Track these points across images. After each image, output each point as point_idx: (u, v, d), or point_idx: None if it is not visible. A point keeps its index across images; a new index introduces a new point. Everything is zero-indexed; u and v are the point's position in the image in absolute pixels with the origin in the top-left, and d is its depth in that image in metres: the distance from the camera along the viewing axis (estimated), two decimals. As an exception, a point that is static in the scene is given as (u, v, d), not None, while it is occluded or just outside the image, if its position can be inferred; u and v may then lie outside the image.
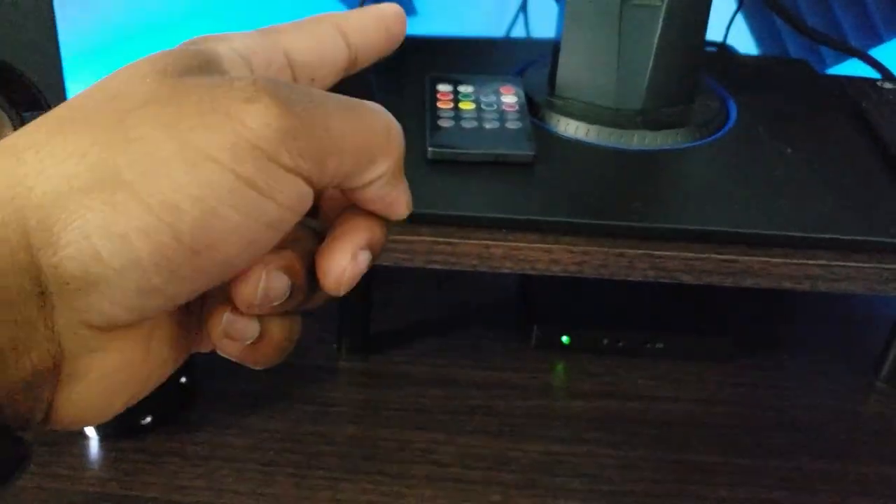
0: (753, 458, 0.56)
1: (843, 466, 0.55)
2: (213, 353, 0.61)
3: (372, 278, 0.58)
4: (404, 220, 0.27)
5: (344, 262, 0.24)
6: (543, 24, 0.84)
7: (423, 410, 0.57)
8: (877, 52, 0.93)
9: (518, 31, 0.90)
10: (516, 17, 0.90)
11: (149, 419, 0.53)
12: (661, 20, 0.58)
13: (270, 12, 0.89)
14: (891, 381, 0.62)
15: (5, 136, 0.53)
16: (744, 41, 0.94)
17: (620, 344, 0.62)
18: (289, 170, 0.21)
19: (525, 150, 0.55)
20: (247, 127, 0.21)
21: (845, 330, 0.67)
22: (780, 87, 0.67)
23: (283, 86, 0.22)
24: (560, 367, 0.62)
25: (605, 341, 0.62)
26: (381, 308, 0.64)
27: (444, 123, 0.57)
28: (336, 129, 0.22)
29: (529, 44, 0.78)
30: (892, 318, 0.61)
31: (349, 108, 0.23)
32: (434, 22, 0.93)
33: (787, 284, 0.51)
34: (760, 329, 0.66)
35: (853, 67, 0.74)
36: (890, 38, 0.93)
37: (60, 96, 0.53)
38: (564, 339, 0.62)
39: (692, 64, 0.61)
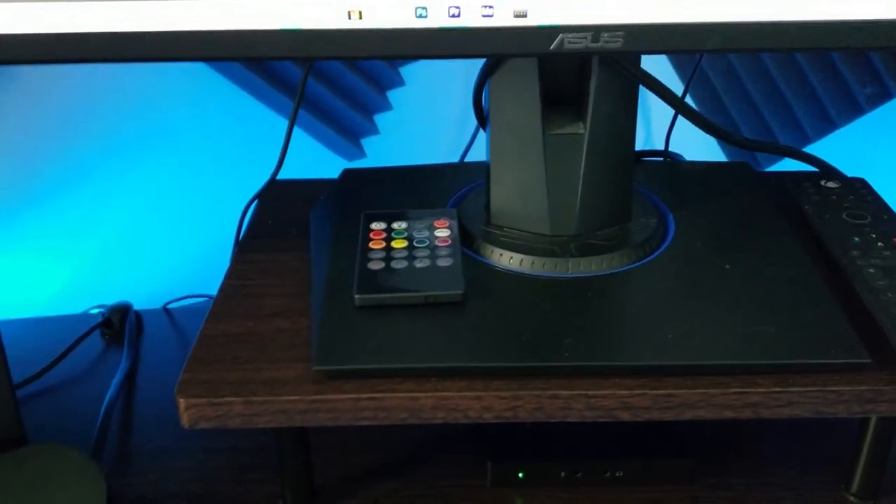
0: None
1: None
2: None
3: (308, 428, 0.56)
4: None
5: None
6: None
7: (371, 566, 0.54)
8: (832, 139, 0.93)
9: (478, 154, 0.90)
10: (476, 133, 0.91)
11: None
12: (585, 146, 0.57)
13: (204, 147, 0.90)
14: (862, 493, 0.59)
15: None
16: (704, 139, 0.95)
17: (579, 475, 0.60)
18: None
19: (454, 290, 0.54)
20: None
21: (811, 441, 0.64)
22: (720, 194, 0.67)
23: None
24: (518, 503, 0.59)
25: (563, 473, 0.60)
26: (324, 454, 0.62)
27: (374, 266, 0.57)
28: None
29: (475, 167, 0.78)
30: (856, 428, 0.59)
31: None
32: (398, 139, 0.94)
33: (729, 414, 0.49)
34: (722, 447, 0.64)
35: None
36: (843, 125, 0.93)
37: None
38: (520, 474, 0.60)
39: (623, 185, 0.60)
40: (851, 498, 0.59)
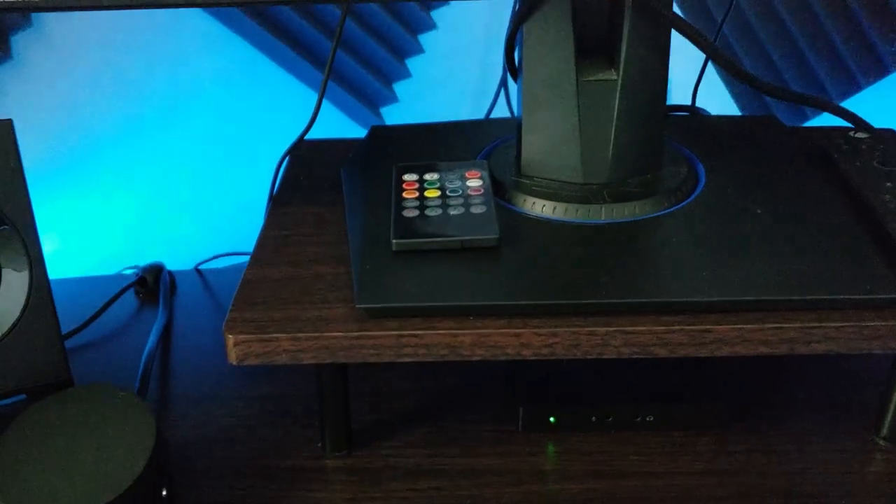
0: (754, 530, 0.54)
1: (849, 532, 0.53)
2: (195, 458, 0.60)
3: (348, 368, 0.58)
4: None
5: None
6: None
7: (410, 505, 0.56)
8: (856, 101, 0.93)
9: (502, 111, 0.91)
10: (497, 94, 0.91)
11: (129, 536, 0.52)
12: (618, 93, 0.58)
13: (232, 113, 0.91)
14: (892, 437, 0.60)
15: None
16: (722, 102, 0.95)
17: (609, 419, 0.61)
18: None
19: (489, 234, 0.55)
20: None
21: (841, 387, 0.65)
22: (749, 146, 0.67)
23: None
24: (550, 448, 0.60)
25: (594, 418, 0.61)
26: (363, 398, 0.63)
27: (409, 213, 0.58)
28: None
29: (501, 123, 0.79)
30: (887, 371, 0.60)
31: None
32: (419, 106, 0.94)
33: (764, 350, 0.50)
34: (753, 392, 0.65)
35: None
36: (868, 85, 0.93)
37: (28, 216, 0.54)
38: (551, 418, 0.61)
39: (655, 133, 0.61)
40: (881, 442, 0.60)
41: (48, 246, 0.57)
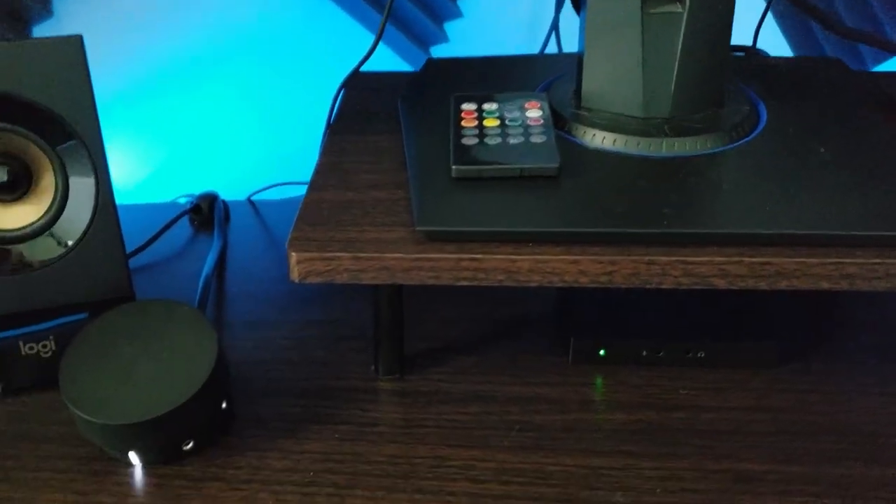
0: (802, 465, 0.54)
1: (897, 472, 0.54)
2: (252, 377, 0.62)
3: (403, 296, 0.58)
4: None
5: None
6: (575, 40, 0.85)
7: (460, 427, 0.57)
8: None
9: (552, 48, 0.90)
10: (549, 34, 0.90)
11: (190, 444, 0.53)
12: (683, 26, 0.57)
13: (283, 49, 0.91)
14: (946, 382, 0.59)
15: (47, 178, 0.54)
16: (778, 45, 0.93)
17: (660, 354, 0.61)
18: None
19: (549, 163, 0.55)
20: None
21: (894, 330, 0.65)
22: (811, 87, 0.66)
23: None
24: (598, 380, 0.61)
25: (644, 352, 0.61)
26: (416, 326, 0.64)
27: (468, 141, 0.58)
28: None
29: (557, 59, 0.78)
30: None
31: None
32: (469, 45, 0.94)
33: (825, 285, 0.50)
34: (807, 332, 0.65)
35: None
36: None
37: (95, 130, 0.55)
38: (602, 352, 0.62)
39: (719, 68, 0.60)
40: (933, 385, 0.60)
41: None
